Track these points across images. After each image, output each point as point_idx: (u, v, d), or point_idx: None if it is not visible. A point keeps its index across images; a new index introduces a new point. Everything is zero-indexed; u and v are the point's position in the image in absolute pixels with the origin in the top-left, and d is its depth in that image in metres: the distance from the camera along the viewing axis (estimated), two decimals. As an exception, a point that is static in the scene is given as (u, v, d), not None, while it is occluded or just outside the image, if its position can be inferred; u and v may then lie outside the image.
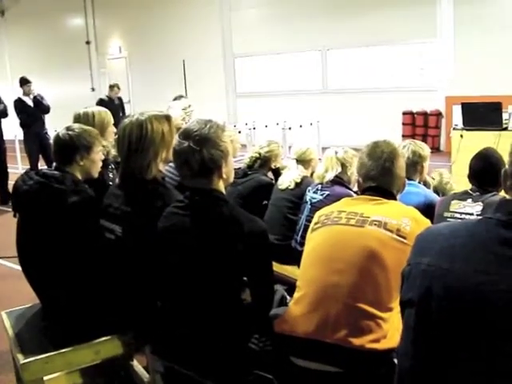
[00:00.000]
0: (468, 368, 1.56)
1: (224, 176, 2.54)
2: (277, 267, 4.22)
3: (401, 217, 2.53)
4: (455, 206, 3.45)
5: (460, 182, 4.27)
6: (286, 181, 4.49)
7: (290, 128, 10.81)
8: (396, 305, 2.19)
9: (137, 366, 3.49)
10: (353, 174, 4.01)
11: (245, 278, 2.53)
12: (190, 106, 5.73)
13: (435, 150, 12.18)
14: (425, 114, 12.69)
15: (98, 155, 3.23)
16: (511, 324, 1.48)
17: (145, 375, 3.31)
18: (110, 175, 3.76)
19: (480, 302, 1.53)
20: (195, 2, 16.11)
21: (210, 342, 2.48)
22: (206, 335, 2.49)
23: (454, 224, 1.84)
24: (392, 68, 13.46)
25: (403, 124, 12.89)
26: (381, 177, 2.72)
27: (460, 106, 7.61)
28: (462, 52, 12.18)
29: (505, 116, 7.25)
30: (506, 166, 1.66)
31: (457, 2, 12.20)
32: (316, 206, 3.81)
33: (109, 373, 3.56)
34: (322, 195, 4.08)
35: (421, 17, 12.47)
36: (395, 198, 2.75)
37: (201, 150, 2.44)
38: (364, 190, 2.77)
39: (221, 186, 2.57)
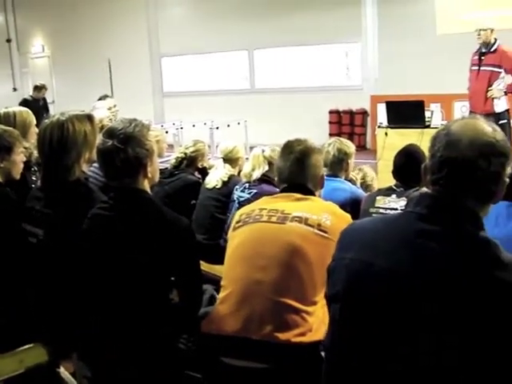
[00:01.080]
0: (387, 361, 1.59)
1: (149, 175, 2.51)
2: (206, 267, 4.20)
3: (321, 212, 2.58)
4: (380, 201, 3.53)
5: (385, 178, 4.37)
6: (213, 180, 4.48)
7: (217, 127, 10.80)
8: (321, 298, 2.23)
9: (63, 372, 3.40)
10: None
11: (172, 278, 2.51)
12: (115, 106, 5.65)
13: (361, 147, 12.42)
14: (351, 113, 12.92)
15: (19, 156, 3.14)
16: (430, 314, 1.53)
17: (72, 382, 3.23)
18: (33, 177, 3.66)
19: (403, 294, 1.57)
20: (120, 0, 15.87)
21: (138, 345, 2.45)
22: (134, 337, 2.45)
23: (376, 219, 1.88)
24: (319, 68, 13.65)
25: (330, 123, 13.09)
26: (294, 175, 2.77)
27: (385, 105, 7.79)
28: (386, 52, 12.46)
29: (427, 114, 7.47)
30: (426, 161, 1.71)
31: (380, 4, 12.48)
32: (244, 205, 3.80)
33: (34, 382, 3.46)
34: (249, 194, 4.10)
35: (346, 18, 12.68)
36: (314, 194, 2.79)
37: (125, 148, 2.41)
38: (281, 191, 2.82)
39: (146, 185, 2.54)
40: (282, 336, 2.36)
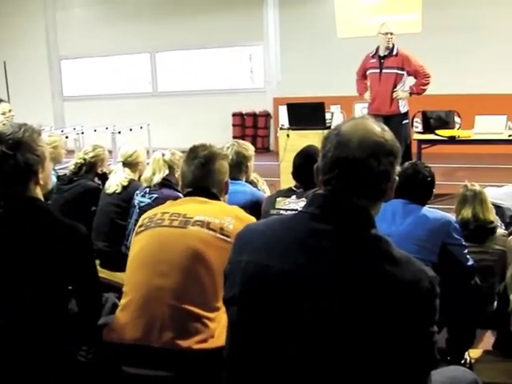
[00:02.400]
0: (287, 363, 1.60)
1: (41, 182, 2.42)
2: (108, 274, 4.12)
3: (224, 216, 2.58)
4: (280, 202, 3.55)
5: (288, 179, 4.42)
6: (113, 184, 4.38)
7: (119, 132, 10.60)
8: (224, 303, 2.21)
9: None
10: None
11: (70, 288, 2.43)
12: (10, 111, 5.42)
13: (265, 149, 12.54)
14: (254, 115, 13.00)
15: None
16: (325, 313, 1.54)
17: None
18: None
19: (298, 295, 1.58)
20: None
21: (36, 358, 2.35)
22: (30, 351, 2.35)
23: (272, 220, 1.89)
24: (223, 70, 13.67)
25: (233, 125, 13.13)
26: (198, 179, 2.77)
27: (286, 107, 7.88)
28: (288, 54, 12.63)
29: (328, 116, 7.62)
30: (318, 162, 1.73)
31: (282, 6, 12.63)
32: (144, 210, 3.71)
33: None
34: (150, 199, 4.03)
35: (249, 20, 12.76)
36: (218, 199, 2.78)
37: (15, 154, 2.31)
38: (185, 195, 2.81)
39: (38, 192, 2.44)
40: (184, 343, 2.33)
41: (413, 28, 11.01)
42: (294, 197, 3.53)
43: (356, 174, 1.63)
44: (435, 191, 3.63)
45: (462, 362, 3.42)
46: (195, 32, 13.11)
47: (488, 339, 3.86)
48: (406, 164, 3.59)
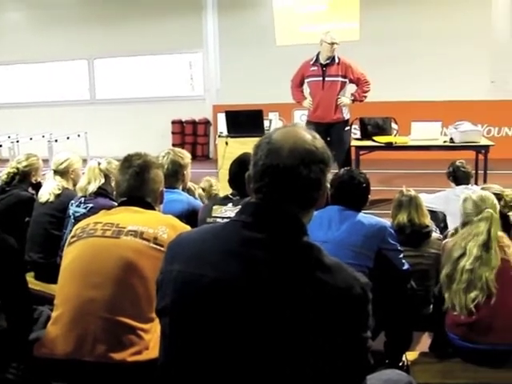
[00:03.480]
0: (227, 372, 1.58)
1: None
2: (43, 287, 4.02)
3: (157, 225, 2.54)
4: (217, 210, 3.53)
5: (227, 187, 4.41)
6: (45, 193, 4.27)
7: (56, 140, 10.37)
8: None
9: None
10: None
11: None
12: None
13: (205, 157, 12.49)
14: (193, 123, 12.95)
15: None
16: (258, 322, 1.53)
17: None
18: None
19: (231, 304, 1.56)
20: None
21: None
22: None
23: (203, 228, 1.87)
24: (162, 77, 13.57)
25: (173, 133, 13.03)
26: (132, 188, 2.73)
27: (224, 114, 7.86)
28: (227, 62, 12.63)
29: (266, 123, 7.64)
30: (250, 170, 1.72)
31: (221, 13, 12.64)
32: (79, 220, 3.64)
33: None
34: (85, 208, 3.94)
35: (188, 27, 12.70)
36: (153, 208, 2.74)
37: None
38: (119, 205, 2.77)
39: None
40: (117, 356, 2.29)
41: (351, 36, 11.15)
42: (230, 205, 3.51)
43: (287, 182, 1.62)
44: (371, 197, 3.67)
45: (400, 364, 3.46)
46: (134, 38, 12.96)
47: (425, 341, 3.92)
48: (342, 170, 3.64)
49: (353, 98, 7.53)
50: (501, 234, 3.26)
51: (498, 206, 3.35)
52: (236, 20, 12.41)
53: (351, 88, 7.72)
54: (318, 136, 1.71)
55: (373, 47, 10.95)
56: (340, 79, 7.43)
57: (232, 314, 1.56)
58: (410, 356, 3.38)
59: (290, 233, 1.62)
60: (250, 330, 1.54)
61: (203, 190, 4.93)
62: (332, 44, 7.37)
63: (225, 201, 3.60)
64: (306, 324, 1.52)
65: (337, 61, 7.45)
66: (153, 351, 2.27)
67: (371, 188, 3.62)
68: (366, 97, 7.58)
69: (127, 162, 2.78)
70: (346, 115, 7.56)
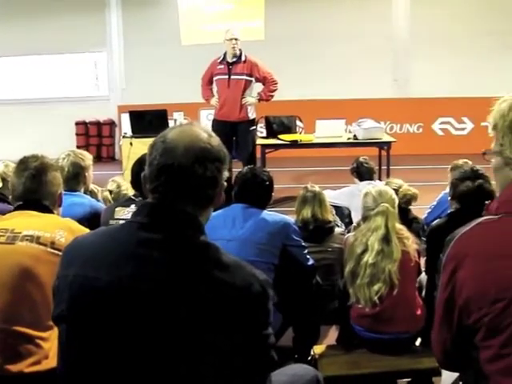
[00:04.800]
0: (128, 376, 1.55)
1: None
2: None
3: (55, 229, 2.48)
4: (119, 212, 3.47)
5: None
6: None
7: (-48, 144, 9.92)
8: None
9: None
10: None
11: None
12: None
13: (110, 158, 12.24)
14: (98, 124, 12.67)
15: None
16: (159, 325, 1.52)
17: None
18: None
19: (130, 307, 1.54)
20: None
21: None
22: None
23: (100, 231, 1.82)
24: (66, 77, 13.19)
25: (77, 134, 12.69)
26: (29, 192, 2.64)
27: (128, 115, 7.74)
28: (132, 61, 12.42)
29: (171, 123, 7.55)
30: (145, 170, 1.70)
31: (125, 12, 12.42)
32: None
33: None
34: (-19, 214, 3.77)
35: (91, 26, 12.37)
36: (51, 212, 2.66)
37: None
38: (15, 209, 2.68)
39: None
40: (14, 367, 2.21)
41: (256, 35, 11.23)
42: (133, 206, 3.45)
43: (182, 181, 1.61)
44: (278, 195, 3.71)
45: (309, 358, 3.51)
46: (35, 37, 12.52)
47: (332, 334, 4.00)
48: (245, 169, 3.66)
49: (259, 97, 7.52)
50: (399, 226, 3.37)
51: (396, 200, 3.46)
52: (141, 18, 12.23)
53: (258, 87, 7.73)
54: (213, 134, 1.71)
55: (278, 46, 11.05)
56: (245, 77, 7.40)
57: (128, 316, 1.53)
58: (318, 350, 3.44)
59: (187, 232, 1.61)
60: (146, 332, 1.52)
61: (110, 192, 4.81)
62: (231, 40, 7.34)
63: (127, 202, 3.54)
64: (204, 323, 1.51)
65: (243, 59, 7.42)
66: (53, 360, 2.18)
67: (277, 186, 3.66)
68: (272, 96, 7.58)
69: (23, 164, 2.69)
70: (252, 115, 7.54)
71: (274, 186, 3.60)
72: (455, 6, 11.09)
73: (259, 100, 7.53)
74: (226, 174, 1.70)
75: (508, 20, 11.00)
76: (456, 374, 1.93)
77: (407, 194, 4.76)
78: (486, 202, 1.72)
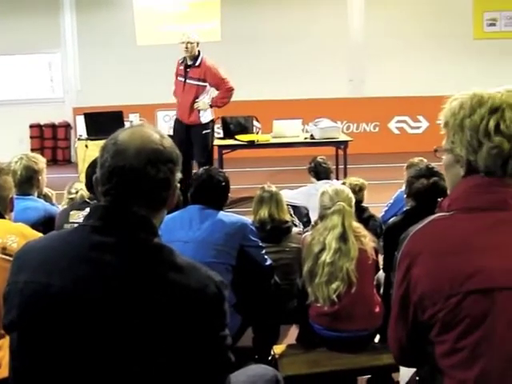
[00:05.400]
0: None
1: None
2: None
3: (6, 234, 2.43)
4: (74, 216, 3.42)
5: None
6: None
7: None
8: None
9: None
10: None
11: None
12: None
13: (66, 161, 12.06)
14: (53, 126, 12.47)
15: None
16: (114, 330, 1.50)
17: None
18: None
19: (83, 312, 1.51)
20: None
21: None
22: None
23: (52, 235, 1.79)
24: (19, 79, 12.92)
25: (31, 137, 12.48)
26: None
27: (83, 117, 7.65)
28: (87, 63, 12.25)
29: (127, 125, 7.46)
30: (97, 173, 1.68)
31: (79, 12, 12.24)
32: None
33: None
34: None
35: (45, 27, 12.18)
36: (2, 217, 2.60)
37: None
38: None
39: None
40: None
41: (213, 36, 11.20)
42: (87, 209, 3.38)
43: (134, 183, 1.59)
44: (236, 195, 3.70)
45: (270, 358, 3.51)
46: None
47: (292, 334, 4.01)
48: (201, 170, 3.64)
49: (210, 103, 7.37)
50: (357, 224, 3.40)
51: (353, 199, 3.48)
52: (96, 19, 12.08)
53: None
54: (165, 135, 1.69)
55: (234, 47, 11.06)
56: (197, 83, 7.29)
57: (81, 321, 1.51)
58: (278, 349, 3.44)
59: (140, 235, 1.59)
60: (100, 337, 1.50)
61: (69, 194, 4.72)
62: (183, 43, 7.23)
63: (82, 205, 3.49)
64: (159, 326, 1.50)
65: (198, 63, 7.30)
66: (5, 370, 2.13)
67: (235, 186, 3.65)
68: (225, 103, 7.43)
69: None
70: (204, 119, 7.39)
71: (232, 186, 3.60)
72: (408, 7, 11.28)
73: (211, 106, 7.40)
74: (178, 175, 1.68)
75: (458, 21, 11.26)
76: (413, 370, 1.94)
77: (357, 184, 4.73)
78: (439, 200, 1.72)
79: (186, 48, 7.24)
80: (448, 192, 1.73)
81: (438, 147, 1.72)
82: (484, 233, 1.55)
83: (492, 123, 1.56)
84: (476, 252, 1.53)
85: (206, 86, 7.33)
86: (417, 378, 1.88)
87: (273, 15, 11.31)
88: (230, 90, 7.35)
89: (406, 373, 2.43)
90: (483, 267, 1.51)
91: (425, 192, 3.46)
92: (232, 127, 7.86)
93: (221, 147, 7.62)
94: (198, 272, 1.60)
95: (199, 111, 7.32)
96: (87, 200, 3.51)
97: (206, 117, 7.40)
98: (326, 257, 3.22)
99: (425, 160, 4.50)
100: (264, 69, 11.16)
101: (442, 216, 1.64)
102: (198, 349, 1.53)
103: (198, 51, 7.35)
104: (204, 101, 7.33)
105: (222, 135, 8.05)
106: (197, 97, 7.29)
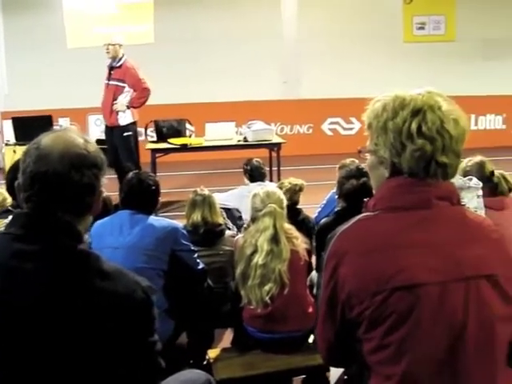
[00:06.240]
0: None
1: None
2: None
3: None
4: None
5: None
6: None
7: None
8: None
9: None
10: None
11: None
12: None
13: (-6, 167, 11.74)
14: (-20, 132, 12.12)
15: None
16: (39, 339, 1.47)
17: None
18: None
19: (5, 322, 1.47)
20: None
21: None
22: None
23: None
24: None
25: (-43, 144, 12.09)
26: None
27: (11, 121, 7.45)
28: (16, 66, 11.93)
29: (56, 128, 7.32)
30: (19, 179, 1.63)
31: (6, 15, 11.91)
32: None
33: None
34: None
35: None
36: None
37: None
38: None
39: None
40: None
41: (145, 38, 11.08)
42: (11, 217, 3.29)
43: (58, 189, 1.56)
44: (168, 199, 3.67)
45: (205, 363, 3.50)
46: None
47: (228, 337, 3.99)
48: (130, 174, 3.59)
49: (128, 104, 7.37)
50: (288, 226, 3.41)
51: (284, 201, 3.49)
52: (24, 21, 11.75)
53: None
54: (91, 140, 1.67)
55: (168, 49, 10.96)
56: (116, 83, 7.34)
57: (6, 333, 1.47)
58: (212, 354, 3.43)
59: (64, 242, 1.56)
60: (23, 345, 1.47)
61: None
62: (104, 45, 7.33)
63: (5, 214, 3.36)
64: (86, 334, 1.48)
65: (120, 64, 7.37)
66: None
67: (169, 190, 3.62)
68: (141, 103, 7.44)
69: None
70: (123, 120, 7.37)
71: (165, 190, 3.57)
72: (341, 9, 11.45)
73: (128, 107, 7.38)
74: (104, 180, 1.66)
75: (389, 25, 11.52)
76: (342, 370, 1.97)
77: (297, 184, 4.75)
78: (365, 200, 1.74)
79: (108, 50, 7.33)
80: (374, 192, 1.76)
81: (362, 148, 1.74)
82: (408, 231, 1.58)
83: (414, 125, 1.58)
84: (400, 250, 1.56)
85: (124, 87, 7.36)
86: (345, 377, 1.90)
87: (207, 17, 11.26)
88: (147, 91, 7.39)
89: (336, 372, 2.47)
90: (407, 264, 1.54)
91: (355, 192, 3.51)
92: (165, 130, 7.78)
93: (154, 151, 7.54)
94: (125, 278, 1.58)
95: (117, 113, 7.33)
96: (10, 207, 3.40)
97: (124, 118, 7.38)
98: (258, 259, 3.23)
99: (356, 161, 4.55)
100: (197, 71, 11.10)
101: (368, 216, 1.66)
102: (126, 355, 1.52)
103: (123, 54, 7.42)
104: (122, 102, 7.33)
105: (155, 139, 7.96)
106: (115, 98, 7.32)
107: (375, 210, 1.65)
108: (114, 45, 7.31)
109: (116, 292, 1.52)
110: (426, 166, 1.59)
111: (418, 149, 1.57)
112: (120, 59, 7.37)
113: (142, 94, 7.36)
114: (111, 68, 7.40)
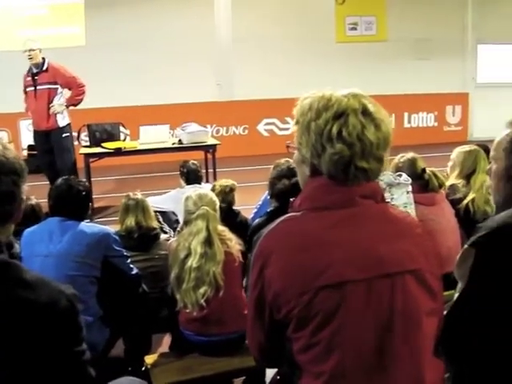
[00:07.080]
0: None
1: None
2: None
3: None
4: None
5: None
6: None
7: None
8: None
9: None
10: None
11: None
12: None
13: None
14: None
15: None
16: None
17: None
18: None
19: None
20: None
21: None
22: None
23: None
24: None
25: None
26: None
27: None
28: None
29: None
30: None
31: None
32: None
33: None
34: None
35: None
36: None
37: None
38: None
39: None
40: None
41: (76, 41, 10.88)
42: None
43: None
44: (102, 204, 3.61)
45: (143, 369, 3.45)
46: None
47: (166, 342, 3.96)
48: (59, 180, 3.51)
49: (66, 103, 7.37)
50: (221, 228, 3.41)
51: (217, 203, 3.49)
52: None
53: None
54: (9, 146, 1.61)
55: (99, 52, 10.78)
56: (49, 86, 7.27)
57: None
58: (149, 359, 3.39)
59: None
60: None
61: None
62: (25, 52, 7.20)
63: None
64: (9, 345, 1.43)
65: (45, 67, 7.28)
66: None
67: (103, 195, 3.56)
68: (80, 100, 7.46)
69: None
70: (62, 122, 7.36)
71: (100, 195, 3.52)
72: (275, 10, 11.53)
73: (67, 106, 7.39)
74: (25, 187, 1.61)
75: (322, 25, 11.66)
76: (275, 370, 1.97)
77: (227, 185, 4.73)
78: (291, 200, 1.75)
79: (30, 56, 7.22)
80: (301, 189, 1.76)
81: (291, 142, 1.75)
82: (332, 229, 1.60)
83: (335, 129, 1.58)
84: (324, 248, 1.57)
85: (57, 88, 7.32)
86: (278, 378, 1.91)
87: (139, 18, 11.12)
88: (82, 86, 7.39)
89: (271, 373, 2.48)
90: (332, 263, 1.55)
91: (286, 192, 3.53)
92: (98, 135, 7.65)
93: (87, 155, 7.40)
94: (48, 287, 1.54)
95: (56, 115, 7.27)
96: None
97: (63, 120, 7.38)
98: (192, 262, 3.21)
99: (290, 161, 4.57)
100: (130, 74, 10.95)
101: (293, 216, 1.67)
102: (53, 366, 1.48)
103: (43, 58, 7.35)
104: (59, 103, 7.29)
105: (88, 143, 7.83)
106: (51, 101, 7.26)
107: (301, 210, 1.66)
108: (34, 50, 7.21)
109: (38, 302, 1.48)
110: (345, 169, 1.60)
111: (337, 153, 1.58)
112: (43, 63, 7.29)
113: (78, 90, 7.35)
114: (35, 74, 7.28)
